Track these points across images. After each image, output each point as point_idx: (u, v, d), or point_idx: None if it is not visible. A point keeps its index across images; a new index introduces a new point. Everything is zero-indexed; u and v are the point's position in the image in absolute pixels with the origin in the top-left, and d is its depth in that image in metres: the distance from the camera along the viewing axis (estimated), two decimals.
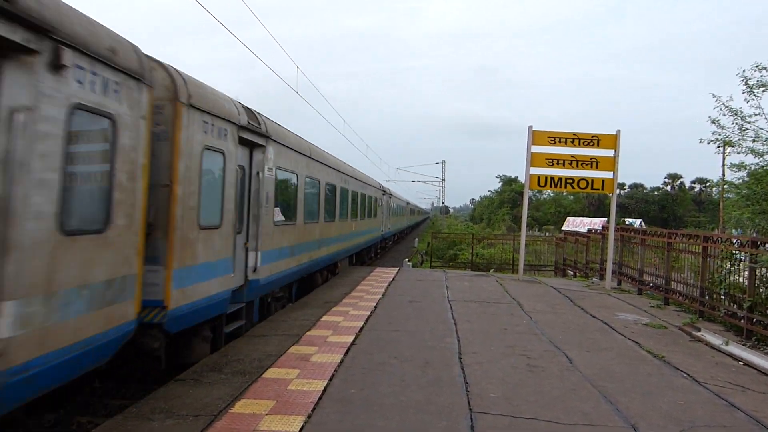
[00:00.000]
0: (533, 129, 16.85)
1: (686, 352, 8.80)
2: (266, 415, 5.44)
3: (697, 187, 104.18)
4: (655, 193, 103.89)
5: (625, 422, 5.59)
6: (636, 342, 9.20)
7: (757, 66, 13.16)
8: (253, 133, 9.00)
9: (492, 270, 27.10)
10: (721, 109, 13.97)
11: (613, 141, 16.51)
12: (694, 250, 12.88)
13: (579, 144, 16.64)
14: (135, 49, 5.77)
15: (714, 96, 13.94)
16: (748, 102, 13.46)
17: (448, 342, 8.64)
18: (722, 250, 11.65)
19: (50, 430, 6.01)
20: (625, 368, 7.60)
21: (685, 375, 7.40)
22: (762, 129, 13.49)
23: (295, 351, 7.83)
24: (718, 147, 14.82)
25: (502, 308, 11.96)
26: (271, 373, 6.81)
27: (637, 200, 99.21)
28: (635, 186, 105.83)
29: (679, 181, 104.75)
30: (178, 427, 5.16)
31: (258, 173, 9.46)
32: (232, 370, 6.91)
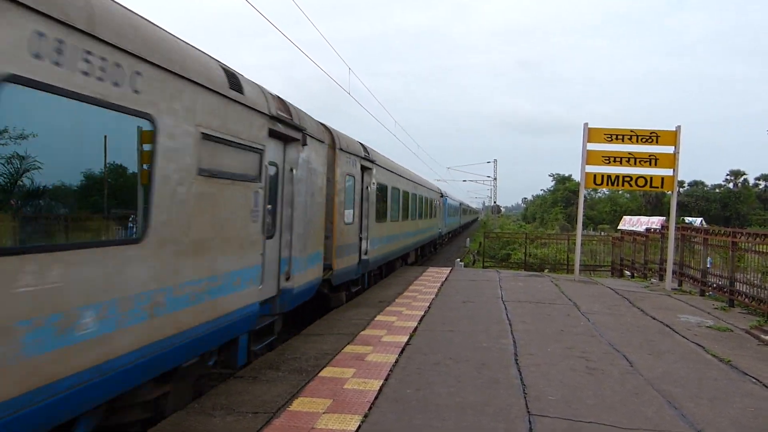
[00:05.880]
0: (589, 126, 16.50)
1: (755, 356, 8.43)
2: (323, 413, 5.50)
3: (762, 183, 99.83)
4: (717, 190, 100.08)
5: (692, 428, 5.39)
6: (700, 345, 8.88)
7: None
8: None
9: (546, 270, 26.65)
10: None
11: (673, 137, 16.00)
12: (760, 249, 12.34)
13: (637, 141, 16.20)
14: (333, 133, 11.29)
15: None
16: None
17: (503, 343, 8.54)
18: None
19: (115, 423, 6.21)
20: (689, 372, 7.34)
21: (755, 380, 7.09)
22: None
23: (350, 350, 7.89)
24: None
25: (558, 309, 11.74)
26: (328, 371, 6.88)
27: (697, 198, 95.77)
28: (695, 183, 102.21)
29: (742, 178, 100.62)
30: (238, 423, 5.27)
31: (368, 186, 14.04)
32: (289, 368, 7.01)
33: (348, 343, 8.27)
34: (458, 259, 28.50)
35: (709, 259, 15.24)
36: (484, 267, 28.97)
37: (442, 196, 33.10)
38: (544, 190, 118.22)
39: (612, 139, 16.37)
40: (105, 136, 4.45)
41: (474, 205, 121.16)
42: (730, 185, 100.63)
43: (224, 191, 6.20)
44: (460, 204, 62.14)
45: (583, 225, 18.82)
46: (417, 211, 23.15)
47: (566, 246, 29.22)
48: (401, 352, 7.83)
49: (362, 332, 9.02)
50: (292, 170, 8.49)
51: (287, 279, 8.40)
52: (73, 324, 4.00)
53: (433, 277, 16.64)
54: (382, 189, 15.75)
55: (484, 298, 12.94)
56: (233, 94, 6.35)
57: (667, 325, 10.39)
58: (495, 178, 74.80)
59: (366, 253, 13.61)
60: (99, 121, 4.34)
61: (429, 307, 11.34)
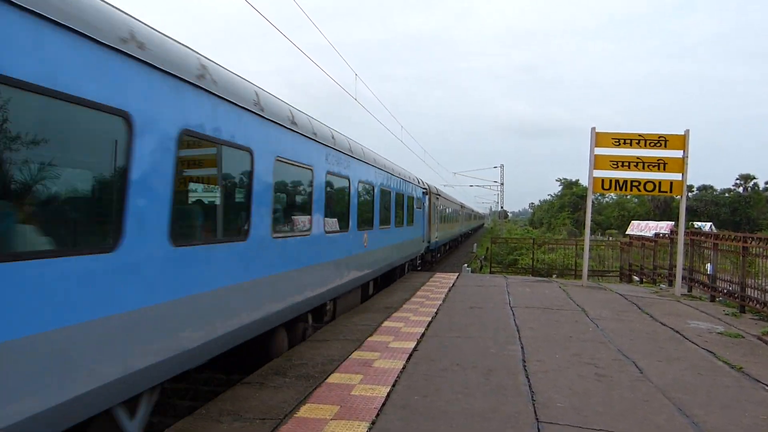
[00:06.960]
0: (596, 130, 16.43)
1: (767, 363, 8.33)
2: (331, 420, 5.46)
3: None
4: (726, 195, 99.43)
5: None
6: (711, 351, 8.79)
7: None
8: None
9: (554, 276, 26.51)
10: None
11: (681, 141, 15.90)
12: None
13: (645, 145, 16.10)
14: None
15: None
16: None
17: (511, 349, 8.48)
18: None
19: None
20: (700, 379, 7.26)
21: (767, 388, 7.01)
22: None
23: (357, 356, 7.86)
24: None
25: (567, 315, 11.66)
26: (335, 378, 6.85)
27: (706, 203, 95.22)
28: (704, 188, 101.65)
29: (752, 182, 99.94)
30: (245, 429, 5.24)
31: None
32: (296, 374, 6.99)
33: (355, 349, 8.23)
34: (465, 265, 28.44)
35: (709, 265, 15.12)
36: (491, 272, 28.86)
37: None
38: (552, 195, 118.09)
39: (620, 144, 16.27)
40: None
41: (481, 210, 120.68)
42: (740, 189, 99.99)
43: None
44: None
45: (590, 230, 18.71)
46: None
47: (574, 251, 29.07)
48: (408, 358, 7.79)
49: (369, 338, 8.98)
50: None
51: None
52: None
53: (440, 283, 16.58)
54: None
55: (491, 303, 12.87)
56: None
57: (677, 332, 10.30)
58: (502, 183, 74.57)
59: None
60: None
61: (436, 313, 11.29)
